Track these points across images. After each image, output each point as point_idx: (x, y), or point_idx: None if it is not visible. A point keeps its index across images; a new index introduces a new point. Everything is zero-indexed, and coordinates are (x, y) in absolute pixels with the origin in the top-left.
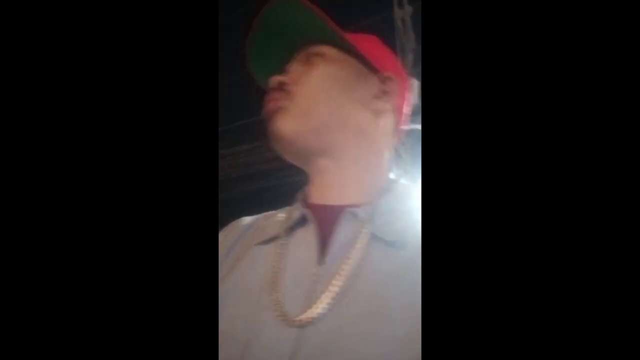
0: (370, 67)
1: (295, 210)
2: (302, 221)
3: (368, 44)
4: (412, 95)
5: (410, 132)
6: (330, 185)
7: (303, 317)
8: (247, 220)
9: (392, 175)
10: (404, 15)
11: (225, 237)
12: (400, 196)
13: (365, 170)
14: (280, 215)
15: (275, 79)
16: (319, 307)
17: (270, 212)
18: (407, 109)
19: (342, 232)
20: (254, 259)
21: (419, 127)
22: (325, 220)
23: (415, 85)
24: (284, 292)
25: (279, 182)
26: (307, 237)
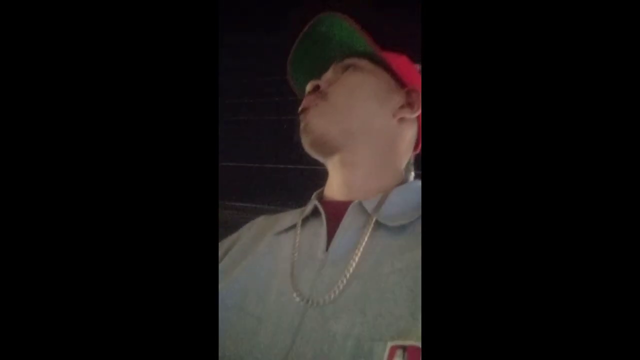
0: (399, 81)
1: (309, 205)
2: (314, 213)
3: (399, 61)
4: None
5: None
6: (345, 184)
7: (314, 297)
8: (269, 217)
9: (406, 178)
10: None
11: (249, 229)
12: (411, 191)
13: (382, 171)
14: (297, 211)
15: (312, 83)
16: (330, 290)
17: (289, 211)
18: None
19: (347, 221)
20: (270, 246)
21: None
22: (335, 213)
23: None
24: (296, 274)
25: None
26: (317, 227)
